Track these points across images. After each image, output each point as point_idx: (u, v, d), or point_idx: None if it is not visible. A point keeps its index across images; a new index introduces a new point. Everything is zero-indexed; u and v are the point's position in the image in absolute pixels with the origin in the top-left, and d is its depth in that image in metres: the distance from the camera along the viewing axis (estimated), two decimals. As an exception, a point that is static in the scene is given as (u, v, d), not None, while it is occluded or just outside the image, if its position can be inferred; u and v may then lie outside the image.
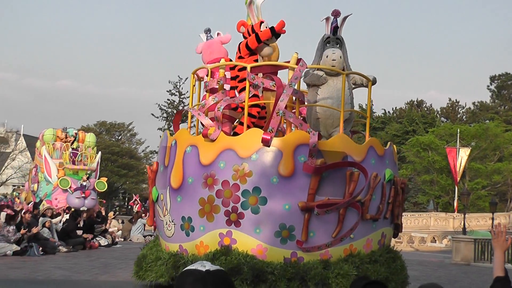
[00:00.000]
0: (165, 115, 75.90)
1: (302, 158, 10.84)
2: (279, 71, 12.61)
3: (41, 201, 30.97)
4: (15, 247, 19.16)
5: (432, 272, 21.61)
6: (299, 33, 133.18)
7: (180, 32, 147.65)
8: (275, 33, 12.26)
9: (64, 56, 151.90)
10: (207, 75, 12.51)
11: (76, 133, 34.79)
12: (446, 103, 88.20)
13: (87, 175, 32.25)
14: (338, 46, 11.96)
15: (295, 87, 11.28)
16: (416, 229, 52.83)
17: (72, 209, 27.69)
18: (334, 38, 11.95)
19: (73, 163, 32.77)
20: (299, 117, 13.45)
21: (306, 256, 10.96)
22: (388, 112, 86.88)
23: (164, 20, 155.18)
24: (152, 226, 13.69)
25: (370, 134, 12.69)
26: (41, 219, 22.43)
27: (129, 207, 56.00)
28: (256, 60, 12.52)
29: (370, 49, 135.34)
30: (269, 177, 10.87)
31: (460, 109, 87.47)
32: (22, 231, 19.65)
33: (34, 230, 20.25)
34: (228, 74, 12.73)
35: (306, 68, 11.69)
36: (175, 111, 69.95)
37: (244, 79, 11.80)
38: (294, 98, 11.58)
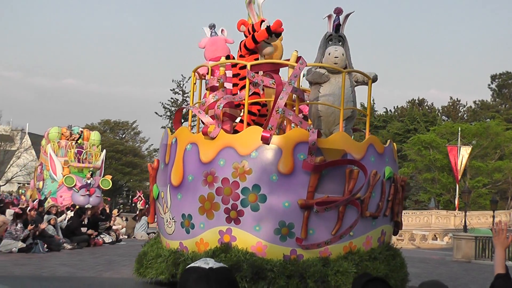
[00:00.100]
0: (168, 113, 75.95)
1: (302, 156, 10.80)
2: (280, 70, 12.59)
3: (46, 198, 31.00)
4: (21, 244, 19.19)
5: (433, 269, 21.60)
6: (301, 31, 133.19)
7: (183, 31, 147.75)
8: (271, 32, 12.23)
9: (68, 55, 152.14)
10: (207, 73, 12.51)
11: (81, 131, 34.84)
12: (447, 101, 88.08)
13: (90, 173, 32.26)
14: (340, 43, 11.90)
15: (295, 85, 11.24)
16: (418, 226, 52.82)
17: (77, 207, 27.72)
18: (336, 36, 11.90)
19: (78, 161, 32.81)
20: (301, 115, 13.46)
21: (305, 253, 10.91)
22: (390, 110, 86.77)
23: (167, 19, 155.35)
24: (156, 224, 13.69)
25: (372, 133, 12.65)
26: (46, 216, 22.45)
27: (133, 204, 56.03)
28: (257, 59, 12.51)
29: (371, 48, 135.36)
30: (268, 175, 10.83)
31: (461, 107, 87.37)
32: (30, 227, 19.69)
33: (42, 225, 20.33)
34: (230, 73, 12.72)
35: (306, 66, 11.65)
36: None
37: (245, 77, 11.79)
38: (293, 96, 11.55)
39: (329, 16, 11.95)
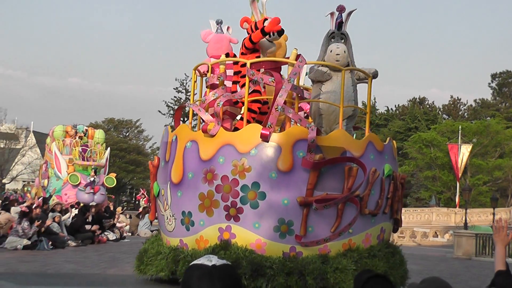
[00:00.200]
0: (171, 112, 75.88)
1: (301, 153, 10.75)
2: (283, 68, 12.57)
3: (50, 196, 31.01)
4: (26, 242, 19.21)
5: (434, 266, 21.59)
6: (305, 29, 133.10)
7: (187, 30, 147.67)
8: (266, 33, 12.20)
9: (72, 54, 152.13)
10: (207, 71, 12.47)
11: (86, 130, 34.84)
12: (448, 100, 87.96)
13: (94, 170, 32.24)
14: (342, 41, 11.82)
15: (294, 82, 11.19)
16: (419, 224, 52.73)
17: (81, 204, 27.74)
18: (338, 33, 11.82)
19: (83, 159, 32.82)
20: (302, 113, 13.42)
21: (304, 250, 10.87)
22: (391, 109, 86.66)
23: (171, 18, 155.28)
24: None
25: (374, 131, 12.60)
26: (50, 214, 22.47)
27: (137, 202, 56.08)
28: (258, 57, 12.47)
29: (372, 47, 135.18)
30: (268, 172, 10.78)
31: (461, 106, 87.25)
32: (37, 223, 19.73)
33: (48, 222, 20.38)
34: (231, 71, 12.70)
35: (305, 63, 11.60)
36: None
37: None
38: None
39: (332, 14, 11.87)
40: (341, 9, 11.81)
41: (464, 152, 58.45)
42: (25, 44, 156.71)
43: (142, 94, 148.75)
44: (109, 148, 35.88)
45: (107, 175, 33.39)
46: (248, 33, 12.57)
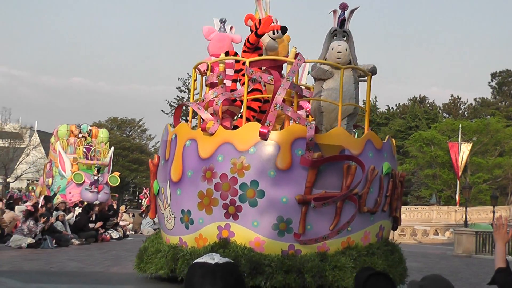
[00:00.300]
0: (174, 111, 75.95)
1: (300, 152, 10.67)
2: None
3: (55, 194, 31.04)
4: (30, 240, 19.23)
5: (434, 264, 21.59)
6: (308, 27, 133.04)
7: (190, 30, 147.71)
8: (259, 36, 12.16)
9: (76, 54, 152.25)
10: (207, 70, 12.41)
11: (90, 130, 34.88)
12: (448, 99, 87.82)
13: (97, 169, 32.24)
14: (344, 39, 11.72)
15: (293, 81, 11.12)
16: (419, 222, 52.69)
17: (85, 203, 27.75)
18: (341, 31, 11.72)
19: (87, 158, 32.85)
20: (303, 111, 13.37)
21: (303, 248, 10.80)
22: (392, 108, 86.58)
23: (174, 18, 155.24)
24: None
25: (374, 130, 12.55)
26: (54, 212, 22.48)
27: (140, 200, 56.12)
28: (261, 55, 12.41)
29: (373, 47, 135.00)
30: (266, 171, 10.71)
31: (461, 105, 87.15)
32: (42, 219, 19.75)
33: (52, 219, 20.39)
34: (231, 71, 12.65)
35: (304, 62, 11.52)
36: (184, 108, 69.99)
37: (247, 73, 11.67)
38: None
39: (334, 12, 11.78)
40: (343, 6, 11.71)
41: (464, 151, 58.42)
42: (29, 45, 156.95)
43: (145, 94, 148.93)
44: (112, 147, 35.88)
45: (111, 174, 33.41)
46: (251, 31, 12.48)
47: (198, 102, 12.26)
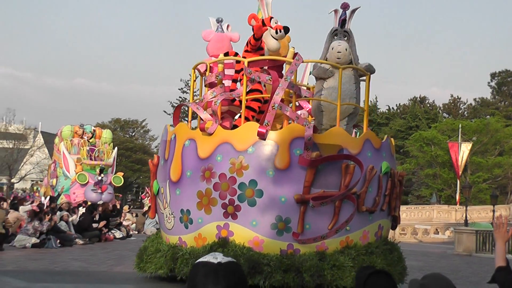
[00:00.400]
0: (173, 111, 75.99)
1: (298, 151, 10.63)
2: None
3: (59, 195, 31.07)
4: (34, 240, 19.25)
5: (435, 262, 21.59)
6: (308, 27, 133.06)
7: (192, 31, 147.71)
8: (257, 39, 12.14)
9: (79, 56, 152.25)
10: (206, 70, 12.36)
11: (93, 130, 34.91)
12: (448, 99, 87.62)
13: (99, 169, 32.26)
14: (345, 38, 11.67)
15: (291, 80, 11.07)
16: (420, 221, 52.63)
17: (89, 203, 27.78)
18: (341, 31, 11.68)
19: (91, 158, 32.88)
20: (303, 111, 13.34)
21: (302, 248, 10.76)
22: (392, 108, 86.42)
23: (176, 19, 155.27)
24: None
25: (375, 130, 12.52)
26: (58, 213, 22.51)
27: (141, 200, 56.13)
28: (263, 55, 12.38)
29: (374, 47, 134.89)
30: (265, 170, 10.68)
31: (461, 105, 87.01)
32: (47, 217, 19.80)
33: (54, 217, 20.43)
34: (232, 71, 12.61)
35: (302, 62, 11.47)
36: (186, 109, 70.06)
37: (247, 73, 11.62)
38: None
39: (336, 11, 11.74)
40: (345, 6, 11.66)
41: (464, 150, 58.35)
42: (33, 46, 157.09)
43: (148, 95, 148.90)
44: (116, 148, 35.90)
45: (114, 174, 33.43)
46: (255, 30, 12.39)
47: (197, 102, 12.23)
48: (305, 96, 12.95)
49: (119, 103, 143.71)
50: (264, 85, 12.31)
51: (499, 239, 4.64)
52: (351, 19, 11.83)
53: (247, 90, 11.83)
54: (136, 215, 33.91)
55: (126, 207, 35.31)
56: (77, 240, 21.49)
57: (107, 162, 33.31)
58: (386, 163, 11.79)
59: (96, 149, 33.25)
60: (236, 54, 12.67)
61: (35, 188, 52.15)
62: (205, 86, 12.49)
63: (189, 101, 12.91)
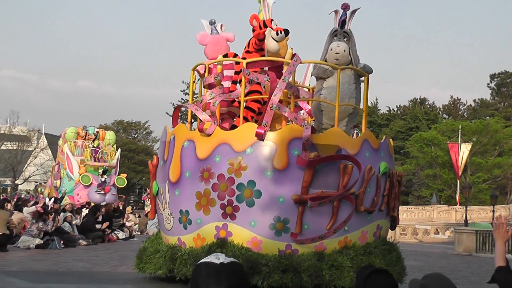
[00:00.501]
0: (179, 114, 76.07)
1: (296, 152, 10.57)
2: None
3: (63, 196, 31.10)
4: (38, 241, 19.26)
5: (435, 262, 21.58)
6: (309, 27, 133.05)
7: (194, 33, 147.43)
8: (261, 40, 12.12)
9: (82, 58, 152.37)
10: (205, 71, 12.32)
11: (97, 132, 34.95)
12: (448, 100, 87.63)
13: (102, 171, 32.28)
14: (345, 39, 11.61)
15: (289, 81, 11.02)
16: (420, 221, 52.57)
17: (92, 204, 27.79)
18: (341, 32, 11.61)
19: (94, 160, 32.91)
20: (303, 112, 13.31)
21: (300, 248, 10.69)
22: (393, 109, 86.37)
23: (179, 21, 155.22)
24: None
25: (376, 131, 12.49)
26: (62, 214, 22.53)
27: (144, 201, 56.17)
28: (263, 56, 12.35)
29: (373, 48, 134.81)
30: (263, 171, 10.62)
31: (461, 106, 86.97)
32: (50, 216, 19.82)
33: (58, 218, 20.45)
34: (231, 72, 12.58)
35: (300, 63, 11.38)
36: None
37: (248, 74, 11.58)
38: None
39: (336, 12, 11.68)
40: (345, 7, 11.59)
41: (464, 151, 58.34)
42: (36, 49, 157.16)
43: (150, 97, 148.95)
44: (119, 149, 35.92)
45: (118, 175, 33.45)
46: (256, 31, 12.35)
47: (196, 103, 12.21)
48: (303, 97, 12.92)
49: (122, 105, 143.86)
50: (264, 86, 12.27)
51: (499, 239, 4.63)
52: (351, 19, 11.76)
53: (247, 91, 11.78)
54: (139, 216, 33.91)
55: (129, 208, 35.25)
56: (80, 241, 21.51)
57: (110, 163, 33.35)
58: (384, 163, 11.72)
59: (100, 150, 33.28)
60: (235, 55, 12.62)
61: (39, 189, 52.18)
62: (204, 87, 12.47)
63: (189, 102, 12.88)
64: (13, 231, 20.27)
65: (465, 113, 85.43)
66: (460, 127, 61.58)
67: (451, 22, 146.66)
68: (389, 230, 12.83)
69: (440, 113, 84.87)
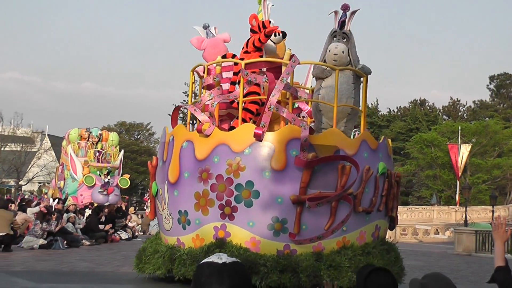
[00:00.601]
0: (181, 115, 76.10)
1: (294, 152, 10.51)
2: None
3: (66, 197, 31.13)
4: (41, 241, 19.27)
5: (435, 262, 21.57)
6: (309, 27, 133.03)
7: (196, 35, 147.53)
8: (262, 42, 12.13)
9: (86, 60, 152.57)
10: (203, 72, 12.26)
11: (100, 134, 34.97)
12: (447, 101, 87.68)
13: (106, 172, 32.30)
14: (344, 40, 11.55)
15: (287, 82, 10.97)
16: (420, 221, 52.59)
17: (95, 205, 27.81)
18: (340, 33, 11.56)
19: (98, 161, 32.93)
20: (304, 113, 13.28)
21: (298, 248, 10.63)
22: (393, 110, 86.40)
23: (181, 23, 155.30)
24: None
25: (376, 132, 12.47)
26: (65, 215, 22.54)
27: (145, 202, 56.26)
28: (262, 56, 12.34)
29: (374, 49, 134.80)
30: (261, 171, 10.56)
31: (461, 107, 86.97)
32: (53, 216, 19.84)
33: (63, 218, 20.48)
34: (230, 73, 12.56)
35: (299, 63, 11.30)
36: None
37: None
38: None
39: (336, 12, 11.63)
40: (345, 7, 11.53)
41: (463, 152, 58.36)
42: (40, 51, 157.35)
43: (153, 98, 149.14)
44: (122, 150, 35.94)
45: (121, 176, 33.47)
46: (253, 31, 12.27)
47: (195, 104, 12.20)
48: (301, 97, 12.90)
49: (125, 106, 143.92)
50: (263, 87, 12.24)
51: (498, 239, 4.63)
52: (351, 20, 11.70)
53: (245, 93, 11.74)
54: (142, 217, 33.94)
55: (131, 209, 35.34)
56: (83, 241, 21.52)
57: (113, 164, 33.37)
58: (383, 163, 11.65)
59: (103, 151, 33.31)
60: (233, 56, 12.59)
61: (43, 190, 52.23)
62: (203, 88, 12.46)
63: (188, 103, 12.86)
64: (17, 232, 20.29)
65: (465, 115, 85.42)
66: (459, 128, 61.63)
67: (451, 23, 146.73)
68: (389, 230, 12.79)
69: (440, 114, 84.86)
